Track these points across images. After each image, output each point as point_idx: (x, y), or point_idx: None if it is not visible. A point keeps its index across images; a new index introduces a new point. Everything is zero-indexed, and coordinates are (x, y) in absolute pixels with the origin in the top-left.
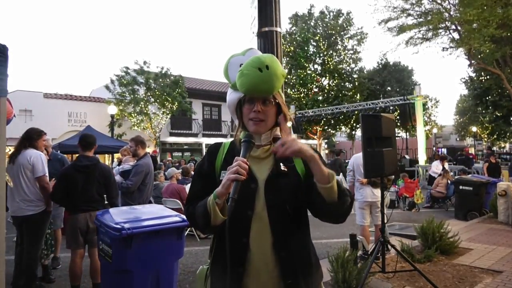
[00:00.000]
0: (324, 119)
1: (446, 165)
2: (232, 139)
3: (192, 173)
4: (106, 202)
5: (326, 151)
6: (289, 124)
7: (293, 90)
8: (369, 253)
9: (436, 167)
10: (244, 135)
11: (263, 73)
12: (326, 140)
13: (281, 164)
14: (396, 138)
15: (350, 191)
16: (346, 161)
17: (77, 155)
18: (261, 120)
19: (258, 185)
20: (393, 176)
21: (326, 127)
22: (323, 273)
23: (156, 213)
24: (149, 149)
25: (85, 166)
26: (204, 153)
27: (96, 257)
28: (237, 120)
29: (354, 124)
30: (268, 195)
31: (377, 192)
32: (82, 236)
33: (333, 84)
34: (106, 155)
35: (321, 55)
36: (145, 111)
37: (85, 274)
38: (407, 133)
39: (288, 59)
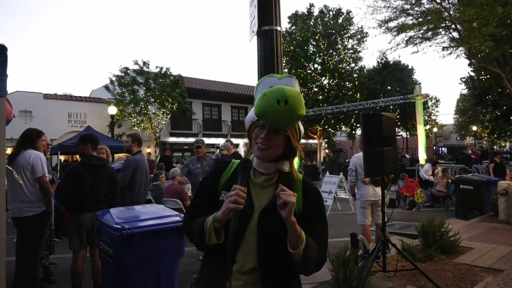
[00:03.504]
0: (324, 118)
1: (438, 170)
2: (239, 160)
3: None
4: None
5: (327, 151)
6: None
7: None
8: (370, 252)
9: (426, 172)
10: (241, 160)
11: (279, 106)
12: (326, 140)
13: None
14: (397, 137)
15: (323, 255)
16: (347, 160)
17: (77, 156)
18: (267, 147)
19: (254, 212)
20: (393, 175)
21: (326, 127)
22: None
23: (157, 213)
24: (150, 149)
25: (96, 166)
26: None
27: (98, 257)
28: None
29: (355, 124)
30: (260, 225)
31: (379, 191)
32: (86, 236)
33: (333, 83)
34: None
35: (321, 54)
36: (145, 111)
37: (86, 275)
38: (408, 133)
39: (288, 58)
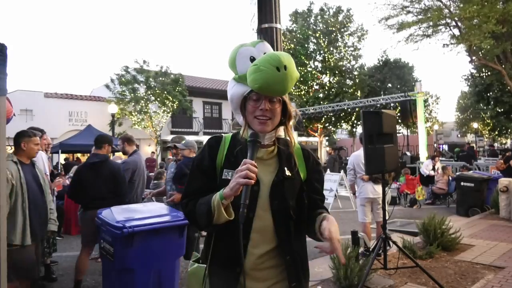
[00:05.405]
0: (325, 116)
1: (438, 164)
2: (231, 133)
3: None
4: None
5: (327, 149)
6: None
7: (293, 88)
8: (370, 250)
9: (426, 167)
10: (250, 134)
11: (280, 73)
12: (327, 138)
13: (285, 168)
14: (397, 135)
15: None
16: (347, 158)
17: (77, 154)
18: (268, 118)
19: (261, 187)
20: (393, 173)
21: (327, 125)
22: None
23: (157, 211)
24: (150, 148)
25: (94, 163)
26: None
27: None
28: (238, 115)
29: (355, 121)
30: (273, 200)
31: (378, 188)
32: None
33: (334, 81)
34: None
35: (322, 52)
36: (146, 110)
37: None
38: (408, 130)
39: None
